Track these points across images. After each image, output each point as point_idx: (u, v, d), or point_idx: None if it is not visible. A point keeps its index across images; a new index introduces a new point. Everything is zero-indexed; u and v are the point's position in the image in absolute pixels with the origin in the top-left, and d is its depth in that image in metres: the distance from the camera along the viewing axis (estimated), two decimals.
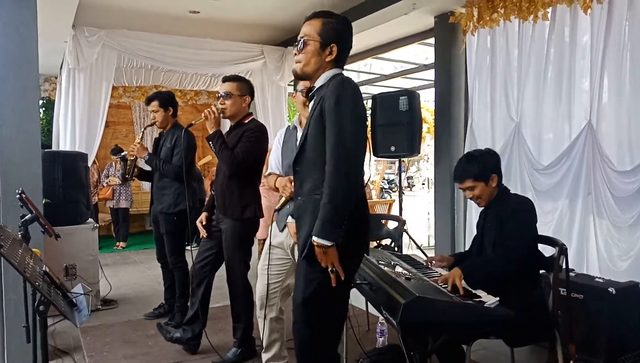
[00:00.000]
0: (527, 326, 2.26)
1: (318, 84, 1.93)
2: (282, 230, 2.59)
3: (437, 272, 2.45)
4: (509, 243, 2.32)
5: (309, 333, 1.88)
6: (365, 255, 1.98)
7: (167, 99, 3.66)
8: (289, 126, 2.75)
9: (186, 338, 3.13)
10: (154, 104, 3.64)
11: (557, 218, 3.61)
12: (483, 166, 2.43)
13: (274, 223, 2.62)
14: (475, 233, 4.10)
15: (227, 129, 3.05)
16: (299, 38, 1.93)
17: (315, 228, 1.75)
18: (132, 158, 3.73)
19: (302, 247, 1.88)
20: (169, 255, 3.64)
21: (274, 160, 2.71)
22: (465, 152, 4.34)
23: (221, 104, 2.91)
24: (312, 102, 1.95)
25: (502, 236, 2.36)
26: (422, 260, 2.74)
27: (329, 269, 1.77)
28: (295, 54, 1.95)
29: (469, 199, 4.29)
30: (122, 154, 3.87)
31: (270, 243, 2.63)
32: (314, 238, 1.76)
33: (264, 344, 2.72)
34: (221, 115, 2.89)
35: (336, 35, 1.91)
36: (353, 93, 1.84)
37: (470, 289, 2.15)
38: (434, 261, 2.62)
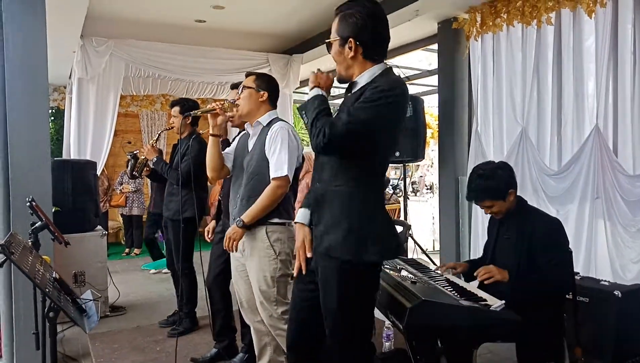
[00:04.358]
0: (542, 345, 2.26)
1: (359, 83, 1.78)
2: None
3: (444, 277, 2.45)
4: (563, 270, 2.23)
5: (346, 338, 1.80)
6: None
7: (188, 108, 3.66)
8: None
9: (223, 347, 3.13)
10: (175, 109, 3.70)
11: (566, 222, 3.60)
12: (499, 184, 2.34)
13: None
14: (480, 237, 4.15)
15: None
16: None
17: None
18: (142, 157, 3.79)
19: (318, 237, 1.78)
20: (176, 261, 3.66)
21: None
22: (469, 157, 4.37)
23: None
24: (349, 93, 1.83)
25: (534, 259, 2.28)
26: (429, 264, 2.75)
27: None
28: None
29: (473, 204, 4.34)
30: (134, 152, 3.93)
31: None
32: None
33: (256, 352, 2.62)
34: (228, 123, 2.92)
35: (352, 27, 1.73)
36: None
37: (476, 292, 2.17)
38: (444, 268, 2.60)
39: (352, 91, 1.80)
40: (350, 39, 1.74)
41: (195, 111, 2.74)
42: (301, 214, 1.90)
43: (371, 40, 1.75)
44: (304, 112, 1.76)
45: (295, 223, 1.92)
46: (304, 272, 1.87)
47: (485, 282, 2.24)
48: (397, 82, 1.75)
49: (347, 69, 1.80)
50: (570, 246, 2.41)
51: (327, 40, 1.81)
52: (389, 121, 1.74)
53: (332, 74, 1.88)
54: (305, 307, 1.90)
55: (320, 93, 1.78)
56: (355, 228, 1.73)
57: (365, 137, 1.70)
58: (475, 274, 2.29)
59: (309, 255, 1.85)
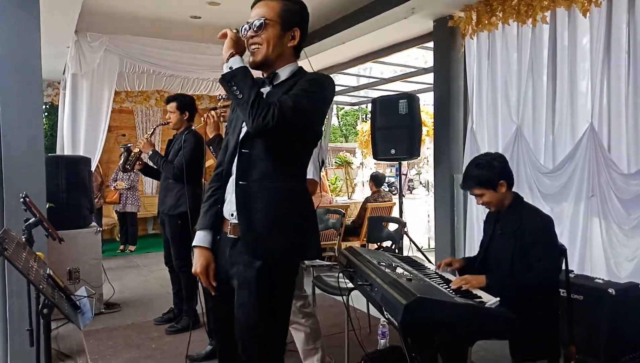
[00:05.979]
0: (536, 343, 2.27)
1: (281, 76, 1.73)
2: None
3: (439, 275, 2.45)
4: (546, 266, 2.25)
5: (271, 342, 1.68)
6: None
7: (185, 103, 3.70)
8: None
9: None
10: (172, 105, 3.69)
11: (561, 220, 3.62)
12: (489, 173, 2.38)
13: None
14: (475, 234, 4.17)
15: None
16: (251, 20, 1.69)
17: None
18: (136, 151, 3.77)
19: (252, 242, 1.62)
20: (174, 258, 3.65)
21: None
22: (464, 154, 4.38)
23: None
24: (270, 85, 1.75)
25: (526, 255, 2.29)
26: (424, 262, 2.75)
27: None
28: (251, 37, 1.69)
29: (468, 202, 4.36)
30: (128, 145, 3.90)
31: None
32: None
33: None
34: (221, 118, 2.91)
35: (299, 18, 1.73)
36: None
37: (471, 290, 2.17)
38: (442, 266, 2.60)
39: (274, 84, 1.73)
40: (297, 29, 1.72)
41: (220, 105, 2.75)
42: (202, 238, 1.74)
43: (304, 37, 1.76)
44: (232, 83, 1.61)
45: (195, 247, 1.75)
46: (213, 293, 1.75)
47: (462, 289, 2.22)
48: (330, 78, 1.77)
49: (277, 56, 1.71)
50: (565, 244, 2.42)
51: (265, 19, 1.67)
52: (322, 114, 1.75)
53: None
54: (225, 323, 1.76)
55: (245, 65, 1.67)
56: (300, 227, 1.67)
57: (304, 126, 1.67)
58: (450, 285, 2.27)
59: (214, 284, 1.72)
